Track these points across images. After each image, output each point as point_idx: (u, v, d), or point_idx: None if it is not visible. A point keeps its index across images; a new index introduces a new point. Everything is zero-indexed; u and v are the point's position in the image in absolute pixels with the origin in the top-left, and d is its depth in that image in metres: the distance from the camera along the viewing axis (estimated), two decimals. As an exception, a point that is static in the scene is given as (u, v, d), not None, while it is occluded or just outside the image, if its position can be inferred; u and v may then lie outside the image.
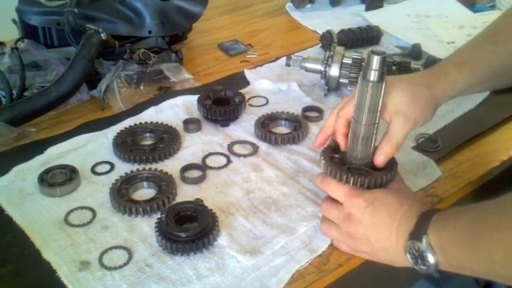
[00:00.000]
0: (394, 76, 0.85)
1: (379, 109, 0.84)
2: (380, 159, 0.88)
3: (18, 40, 1.39)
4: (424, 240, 0.76)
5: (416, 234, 0.78)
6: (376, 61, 0.80)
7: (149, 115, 1.22)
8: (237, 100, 1.20)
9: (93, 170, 1.05)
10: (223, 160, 1.09)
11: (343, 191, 0.86)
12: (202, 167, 1.06)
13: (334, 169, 0.87)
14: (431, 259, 0.76)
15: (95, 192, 1.00)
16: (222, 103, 1.20)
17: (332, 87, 1.30)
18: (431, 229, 0.76)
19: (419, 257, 0.77)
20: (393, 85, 0.88)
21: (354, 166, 0.89)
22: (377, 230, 0.83)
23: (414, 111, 0.88)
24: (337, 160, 0.91)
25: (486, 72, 0.97)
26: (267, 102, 1.29)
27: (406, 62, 1.30)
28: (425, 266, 0.77)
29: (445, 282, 0.79)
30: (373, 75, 0.81)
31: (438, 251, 0.76)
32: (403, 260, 0.81)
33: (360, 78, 0.83)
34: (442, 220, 0.77)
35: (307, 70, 1.33)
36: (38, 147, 1.11)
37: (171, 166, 1.07)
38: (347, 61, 1.27)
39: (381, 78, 0.81)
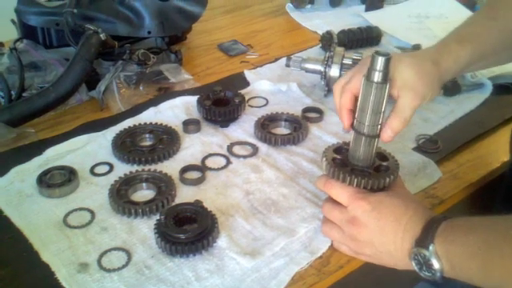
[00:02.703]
0: (399, 53, 0.84)
1: (383, 110, 0.83)
2: (387, 134, 0.87)
3: (17, 40, 1.38)
4: (431, 248, 0.76)
5: (422, 241, 0.77)
6: (380, 62, 0.80)
7: (148, 116, 1.21)
8: (236, 101, 1.20)
9: (92, 171, 1.05)
10: (223, 161, 1.08)
11: (347, 194, 0.86)
12: (202, 168, 1.05)
13: (337, 170, 0.87)
14: (437, 267, 0.76)
15: (94, 193, 1.00)
16: (221, 104, 1.19)
17: (332, 88, 1.30)
18: (438, 238, 0.76)
19: (425, 264, 0.77)
20: (400, 60, 0.87)
21: (356, 168, 0.88)
22: (381, 234, 0.82)
23: (422, 86, 0.87)
24: (339, 161, 0.91)
25: (487, 48, 0.96)
26: (267, 103, 1.29)
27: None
28: (430, 272, 0.77)
29: (445, 284, 0.78)
30: (377, 76, 0.81)
31: (445, 261, 0.75)
32: (406, 264, 0.80)
33: (364, 79, 0.82)
34: (449, 231, 0.77)
35: (307, 70, 1.32)
36: (37, 148, 1.10)
37: (170, 167, 1.06)
38: (347, 61, 1.27)
39: (384, 79, 0.81)
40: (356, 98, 0.88)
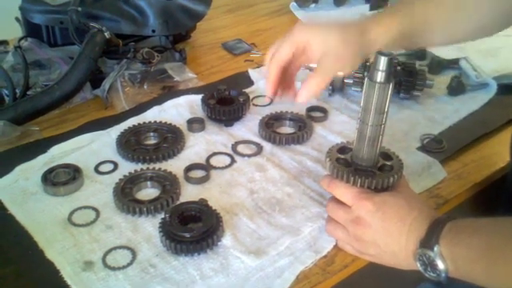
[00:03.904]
0: (329, 23, 0.86)
1: (386, 110, 0.83)
2: (303, 95, 0.89)
3: (22, 39, 1.39)
4: (436, 249, 0.76)
5: (427, 242, 0.77)
6: (383, 62, 0.80)
7: (152, 114, 1.21)
8: (241, 99, 1.20)
9: (96, 170, 1.05)
10: (227, 160, 1.08)
11: (351, 194, 0.85)
12: (206, 167, 1.05)
13: (341, 170, 0.87)
14: (442, 268, 0.76)
15: (99, 191, 1.00)
16: (225, 103, 1.19)
17: (336, 87, 1.30)
18: (443, 240, 0.76)
19: (429, 264, 0.77)
20: (329, 28, 0.89)
21: (359, 168, 0.88)
22: (386, 234, 0.82)
23: (345, 53, 0.89)
24: (342, 161, 0.90)
25: (419, 22, 0.94)
26: (271, 102, 1.28)
27: (411, 62, 1.29)
28: (435, 273, 0.77)
29: (450, 284, 0.79)
30: (380, 76, 0.80)
31: (450, 262, 0.75)
32: (411, 264, 0.80)
33: (366, 79, 0.82)
34: (454, 233, 0.77)
35: (311, 69, 1.31)
36: (42, 146, 1.10)
37: (175, 165, 1.06)
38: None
39: (388, 79, 0.81)
40: (283, 68, 0.91)
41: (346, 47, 0.89)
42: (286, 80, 0.98)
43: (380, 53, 0.80)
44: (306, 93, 0.88)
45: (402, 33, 0.92)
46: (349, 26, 0.91)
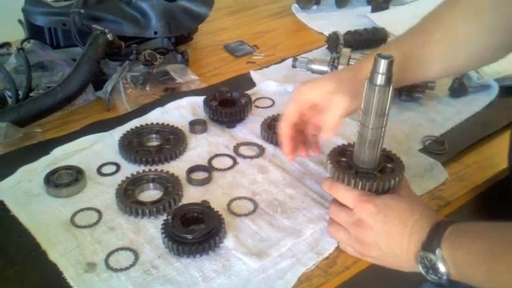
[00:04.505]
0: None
1: (386, 112, 0.83)
2: (317, 149, 0.96)
3: (24, 40, 1.39)
4: (437, 253, 0.76)
5: (429, 245, 0.78)
6: (383, 64, 0.80)
7: (155, 116, 1.22)
8: (243, 101, 1.20)
9: (99, 171, 1.05)
10: (229, 161, 1.09)
11: (353, 196, 0.86)
12: (208, 169, 1.06)
13: (342, 173, 0.87)
14: (443, 271, 0.76)
15: (101, 193, 1.00)
16: (228, 104, 1.20)
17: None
18: (445, 243, 0.76)
19: (431, 267, 0.77)
20: (323, 81, 0.97)
21: (361, 170, 0.88)
22: (388, 237, 0.83)
23: (342, 97, 0.91)
24: (343, 163, 0.91)
25: (411, 58, 0.95)
26: (273, 104, 1.29)
27: (413, 63, 1.29)
28: (436, 276, 0.77)
29: (451, 286, 0.79)
30: (380, 79, 0.81)
31: (451, 266, 0.76)
32: (412, 266, 0.81)
33: (367, 82, 0.82)
34: (455, 237, 0.77)
35: (313, 71, 1.32)
36: (44, 148, 1.11)
37: (177, 167, 1.07)
38: (353, 62, 1.27)
39: (388, 82, 0.81)
40: (296, 128, 0.97)
41: (342, 92, 0.92)
42: (308, 140, 1.02)
43: (380, 55, 0.80)
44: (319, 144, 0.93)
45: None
46: (343, 72, 0.96)
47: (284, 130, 0.98)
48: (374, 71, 0.81)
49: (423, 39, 0.97)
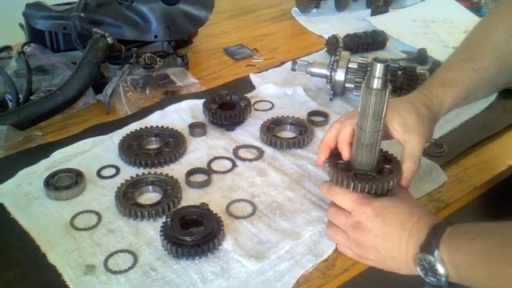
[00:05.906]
0: (392, 99, 0.87)
1: (383, 116, 0.84)
2: (407, 179, 0.89)
3: (25, 44, 1.39)
4: (436, 254, 0.76)
5: (427, 247, 0.78)
6: (379, 68, 0.80)
7: (154, 119, 1.22)
8: (242, 104, 1.21)
9: (98, 174, 1.06)
10: (228, 164, 1.09)
11: (351, 199, 0.86)
12: (207, 171, 1.06)
13: (341, 175, 0.87)
14: (442, 273, 0.76)
15: (101, 196, 1.00)
16: (227, 107, 1.20)
17: (337, 92, 1.31)
18: (443, 245, 0.76)
19: (430, 269, 0.77)
20: (397, 107, 0.91)
21: (359, 172, 0.89)
22: (386, 240, 0.83)
23: (423, 129, 0.91)
24: (342, 166, 0.91)
25: (469, 89, 1.00)
26: (272, 107, 1.29)
27: (412, 66, 1.30)
28: (435, 278, 0.77)
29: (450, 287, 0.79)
30: (376, 83, 0.81)
31: (450, 267, 0.76)
32: (411, 269, 0.81)
33: (363, 86, 0.83)
34: (454, 237, 0.77)
35: (313, 74, 1.33)
36: (44, 151, 1.11)
37: (176, 170, 1.07)
38: (353, 65, 1.27)
39: (384, 86, 0.81)
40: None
41: (422, 124, 0.92)
42: None
43: (376, 59, 0.80)
44: (409, 176, 0.90)
45: (454, 103, 1.00)
46: (416, 103, 0.94)
47: (321, 150, 0.94)
48: (371, 75, 0.81)
49: (473, 67, 1.01)
